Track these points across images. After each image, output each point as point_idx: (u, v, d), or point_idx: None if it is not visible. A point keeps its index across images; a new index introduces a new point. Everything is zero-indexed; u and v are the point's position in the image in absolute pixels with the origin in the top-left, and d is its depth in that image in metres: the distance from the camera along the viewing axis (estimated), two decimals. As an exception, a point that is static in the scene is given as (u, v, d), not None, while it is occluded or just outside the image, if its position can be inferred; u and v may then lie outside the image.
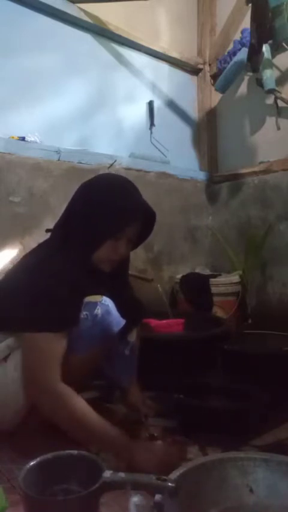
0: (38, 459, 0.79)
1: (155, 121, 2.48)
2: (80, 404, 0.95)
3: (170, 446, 1.02)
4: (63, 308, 1.00)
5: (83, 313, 1.04)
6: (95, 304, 1.05)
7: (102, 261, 1.11)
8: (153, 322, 1.79)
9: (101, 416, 0.96)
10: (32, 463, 0.77)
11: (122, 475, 0.72)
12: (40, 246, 1.18)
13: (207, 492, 0.81)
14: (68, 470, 0.79)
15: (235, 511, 0.80)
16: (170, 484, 0.69)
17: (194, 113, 2.80)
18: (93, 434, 0.95)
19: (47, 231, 1.22)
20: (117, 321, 1.08)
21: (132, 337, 1.28)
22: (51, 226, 1.84)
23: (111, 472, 0.72)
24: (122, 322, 1.09)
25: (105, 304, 1.06)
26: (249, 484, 0.83)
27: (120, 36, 2.31)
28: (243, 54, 2.30)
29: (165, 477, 0.70)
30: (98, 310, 1.04)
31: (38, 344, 0.98)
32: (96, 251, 1.09)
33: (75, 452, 0.82)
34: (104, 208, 1.07)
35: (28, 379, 0.98)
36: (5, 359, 1.01)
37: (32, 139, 1.88)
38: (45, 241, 1.18)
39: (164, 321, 1.83)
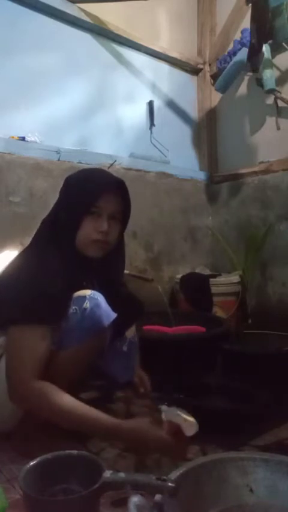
0: (38, 459, 0.79)
1: (155, 121, 2.48)
2: (57, 396, 0.93)
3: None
4: (46, 301, 0.99)
5: (72, 308, 1.03)
6: (83, 298, 1.04)
7: (86, 243, 1.10)
8: (167, 329, 1.76)
9: (83, 403, 0.95)
10: (31, 463, 0.77)
11: (122, 474, 0.72)
12: (29, 244, 1.19)
13: (207, 492, 0.81)
14: (68, 470, 0.79)
15: (235, 511, 0.80)
16: (170, 484, 0.69)
17: (194, 113, 2.80)
18: (81, 422, 0.93)
19: None
20: (108, 314, 1.06)
21: (130, 333, 1.27)
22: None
23: (111, 472, 0.72)
24: (113, 315, 1.07)
25: (94, 298, 1.05)
26: (249, 484, 0.83)
27: (120, 36, 2.31)
28: (243, 54, 2.30)
29: (165, 477, 0.70)
30: (87, 304, 1.03)
31: (17, 341, 0.97)
32: (77, 233, 1.09)
33: (75, 452, 0.82)
34: (74, 189, 1.12)
35: (6, 377, 0.97)
36: None
37: (32, 139, 1.88)
38: (33, 239, 1.19)
39: (183, 327, 1.79)
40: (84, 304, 1.03)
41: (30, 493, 0.70)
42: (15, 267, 1.10)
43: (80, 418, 0.92)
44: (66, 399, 0.93)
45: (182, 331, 1.77)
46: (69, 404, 0.93)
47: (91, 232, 1.10)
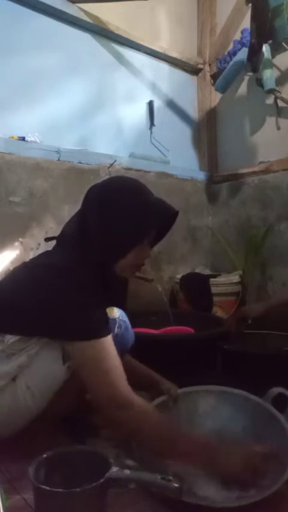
0: (48, 453, 0.77)
1: (155, 121, 2.48)
2: (158, 417, 0.90)
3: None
4: (105, 314, 0.96)
5: None
6: (114, 321, 1.03)
7: (126, 268, 1.06)
8: (153, 331, 1.74)
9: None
10: (40, 457, 0.76)
11: (127, 471, 0.72)
12: (51, 254, 1.07)
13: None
14: (76, 465, 0.78)
15: None
16: (174, 484, 0.69)
17: (194, 113, 2.80)
18: (181, 447, 0.88)
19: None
20: (133, 335, 1.08)
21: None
22: (51, 226, 1.87)
23: (117, 468, 0.73)
24: (133, 335, 1.09)
25: (123, 321, 1.06)
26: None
27: (120, 36, 2.31)
28: (243, 54, 2.31)
29: (170, 477, 0.71)
30: (118, 329, 1.04)
31: (102, 354, 0.89)
32: (121, 259, 1.03)
33: (83, 448, 0.82)
34: (128, 215, 1.00)
35: (97, 394, 0.89)
36: (14, 378, 0.97)
37: (32, 139, 1.88)
38: (59, 250, 1.08)
39: (170, 328, 1.76)
40: (116, 329, 1.04)
41: (37, 483, 0.69)
42: (56, 283, 0.95)
43: (193, 442, 0.89)
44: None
45: (170, 332, 1.75)
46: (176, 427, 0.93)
47: (137, 259, 1.07)
